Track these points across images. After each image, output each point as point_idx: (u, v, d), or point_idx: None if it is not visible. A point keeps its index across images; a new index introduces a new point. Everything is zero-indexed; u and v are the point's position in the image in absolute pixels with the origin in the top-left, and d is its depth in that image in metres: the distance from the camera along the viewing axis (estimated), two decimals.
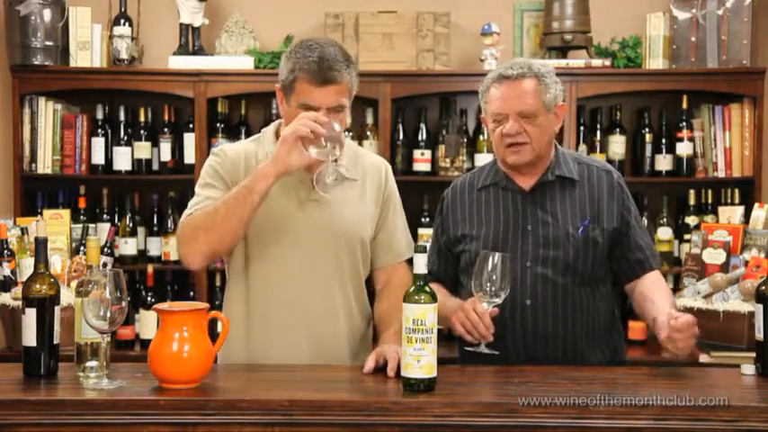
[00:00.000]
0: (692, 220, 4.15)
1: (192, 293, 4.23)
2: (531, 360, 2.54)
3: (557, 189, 2.63)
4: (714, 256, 3.30)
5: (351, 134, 4.19)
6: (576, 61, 4.12)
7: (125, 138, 4.23)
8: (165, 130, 4.25)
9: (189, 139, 4.20)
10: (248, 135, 4.01)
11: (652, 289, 2.60)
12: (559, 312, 2.57)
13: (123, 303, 2.13)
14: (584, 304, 2.60)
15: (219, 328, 2.29)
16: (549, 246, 2.58)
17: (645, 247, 2.66)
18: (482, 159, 4.17)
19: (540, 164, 2.63)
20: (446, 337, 4.11)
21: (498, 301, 2.41)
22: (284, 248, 2.49)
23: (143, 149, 4.24)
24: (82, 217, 4.13)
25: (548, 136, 2.60)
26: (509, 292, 2.41)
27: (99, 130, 4.22)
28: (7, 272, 3.26)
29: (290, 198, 2.50)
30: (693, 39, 4.09)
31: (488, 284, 2.39)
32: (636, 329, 4.02)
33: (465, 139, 4.23)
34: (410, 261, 2.44)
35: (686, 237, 4.08)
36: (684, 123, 4.18)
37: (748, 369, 2.30)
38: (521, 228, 2.61)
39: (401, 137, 4.27)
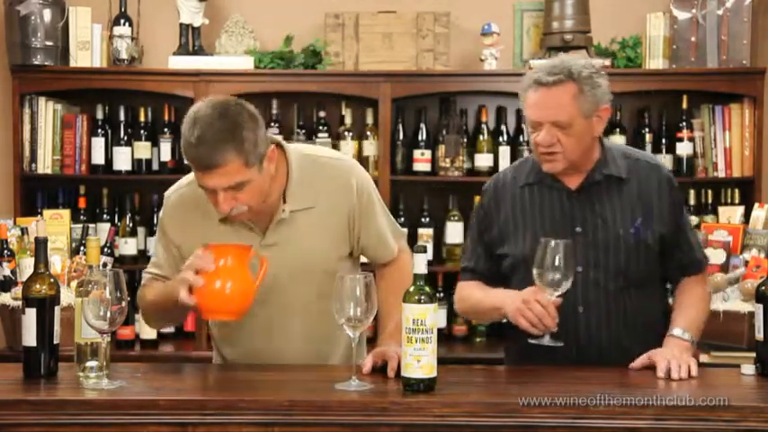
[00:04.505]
0: (692, 220, 4.14)
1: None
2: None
3: (604, 188, 2.50)
4: (714, 256, 3.30)
5: (351, 134, 4.20)
6: None
7: (125, 138, 4.23)
8: (165, 130, 4.24)
9: None
10: None
11: (685, 290, 2.56)
12: (612, 319, 2.47)
13: (123, 303, 2.13)
14: (635, 309, 2.49)
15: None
16: (599, 249, 2.46)
17: (697, 247, 2.60)
18: (482, 159, 4.19)
19: (584, 164, 2.50)
20: (446, 337, 4.07)
21: (561, 290, 2.28)
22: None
23: (143, 149, 4.24)
24: (82, 217, 4.12)
25: (584, 143, 2.45)
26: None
27: (99, 130, 4.22)
28: (7, 272, 3.27)
29: None
30: (693, 39, 4.09)
31: (550, 273, 2.25)
32: None
33: (465, 139, 4.23)
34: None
35: None
36: (684, 123, 4.17)
37: (748, 369, 2.30)
38: (570, 230, 2.46)
39: (401, 137, 4.27)
